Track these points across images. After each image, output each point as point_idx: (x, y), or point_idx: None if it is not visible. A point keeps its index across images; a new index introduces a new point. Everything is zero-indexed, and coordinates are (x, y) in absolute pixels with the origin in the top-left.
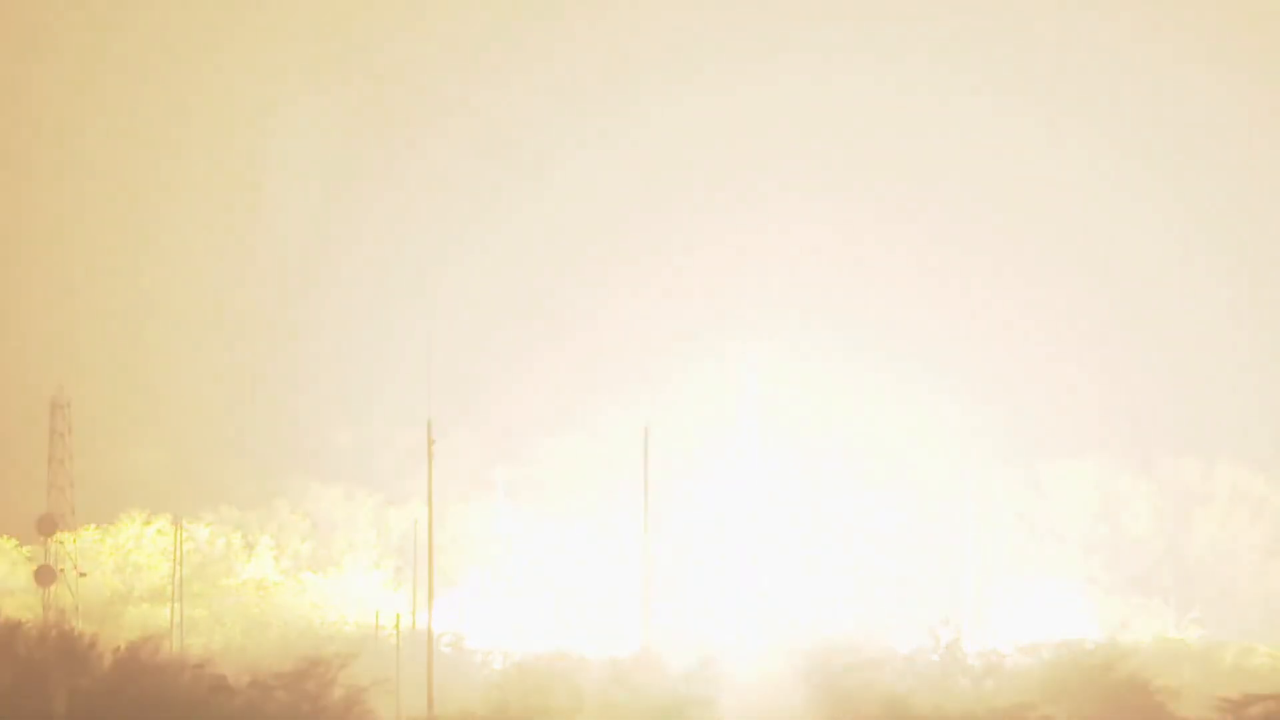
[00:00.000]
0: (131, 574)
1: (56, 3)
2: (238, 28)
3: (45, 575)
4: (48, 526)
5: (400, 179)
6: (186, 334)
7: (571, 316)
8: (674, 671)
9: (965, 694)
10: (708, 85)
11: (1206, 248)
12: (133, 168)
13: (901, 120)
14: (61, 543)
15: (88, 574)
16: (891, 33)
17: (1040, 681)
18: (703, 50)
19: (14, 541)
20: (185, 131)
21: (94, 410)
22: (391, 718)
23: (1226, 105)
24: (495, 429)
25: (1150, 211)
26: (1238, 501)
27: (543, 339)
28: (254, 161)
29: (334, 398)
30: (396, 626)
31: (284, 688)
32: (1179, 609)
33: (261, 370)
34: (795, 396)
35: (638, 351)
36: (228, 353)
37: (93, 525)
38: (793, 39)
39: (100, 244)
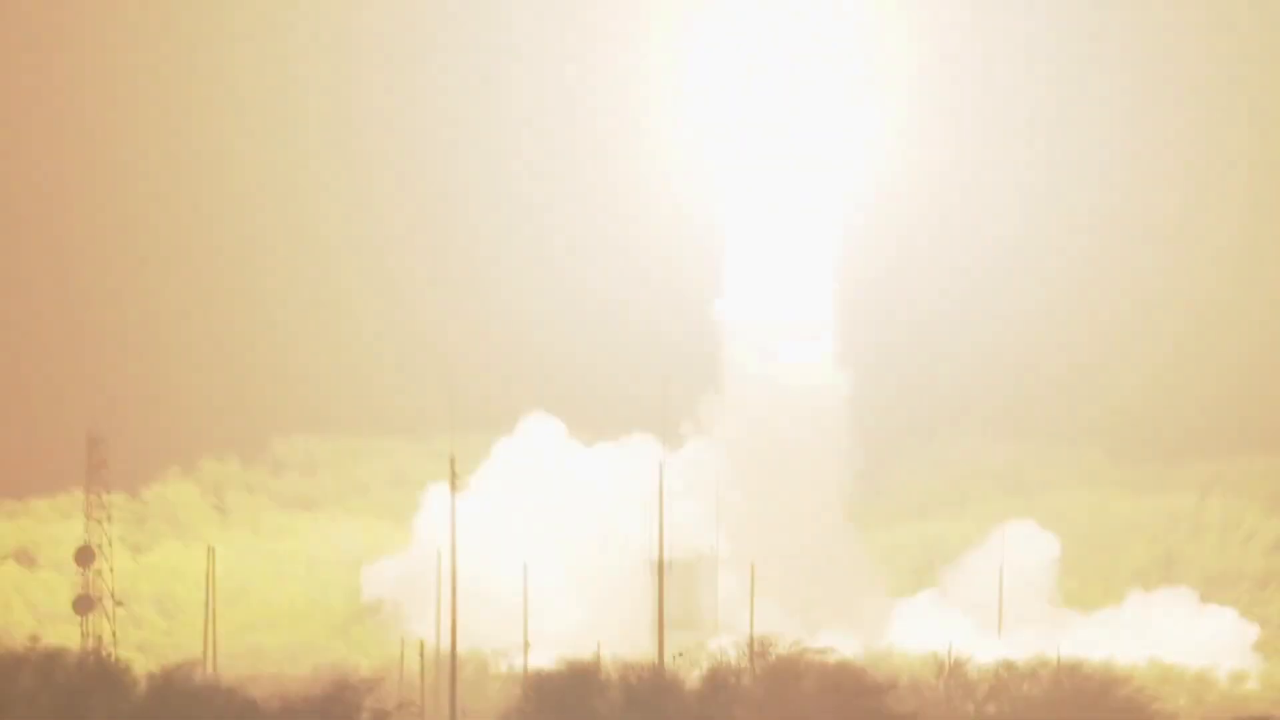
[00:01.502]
0: (168, 603)
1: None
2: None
3: (84, 605)
4: (86, 558)
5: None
6: (217, 366)
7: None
8: (688, 691)
9: (968, 718)
10: None
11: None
12: (169, 203)
13: None
14: (99, 572)
15: (124, 603)
16: None
17: (1041, 704)
18: None
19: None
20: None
21: (129, 443)
22: None
23: None
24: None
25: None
26: (1230, 530)
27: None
28: (281, 190)
29: (361, 429)
30: (420, 650)
31: (312, 711)
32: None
33: (288, 398)
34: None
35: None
36: (255, 381)
37: (130, 556)
38: None
39: (135, 281)
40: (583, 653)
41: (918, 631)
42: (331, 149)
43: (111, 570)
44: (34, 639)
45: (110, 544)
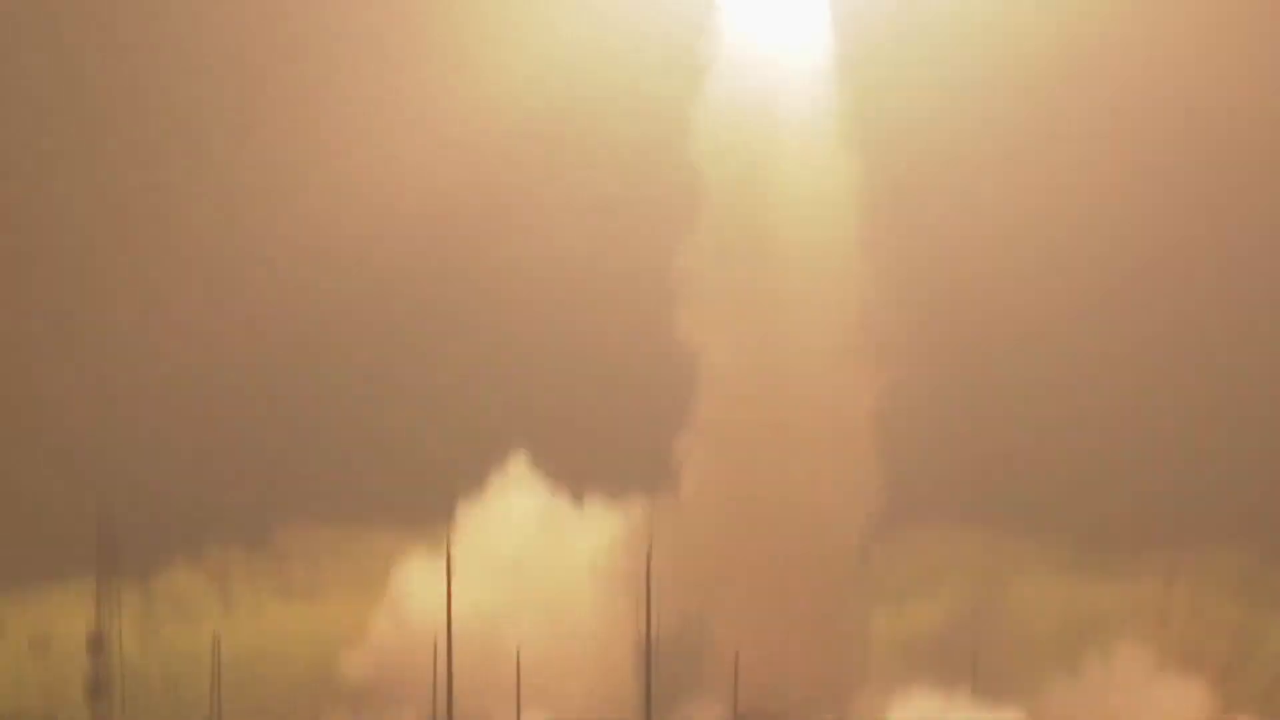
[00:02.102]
0: (176, 688)
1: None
2: None
3: (94, 689)
4: (96, 643)
5: None
6: (222, 454)
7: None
8: None
9: None
10: None
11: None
12: (175, 287)
13: None
14: (110, 658)
15: (133, 688)
16: None
17: None
18: None
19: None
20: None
21: (139, 531)
22: None
23: None
24: None
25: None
26: (1195, 618)
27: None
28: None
29: (362, 517)
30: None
31: None
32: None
33: (290, 486)
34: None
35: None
36: (258, 470)
37: (139, 641)
38: None
39: (146, 361)
40: None
41: (896, 710)
42: (332, 226)
43: (121, 655)
44: None
45: (120, 630)
